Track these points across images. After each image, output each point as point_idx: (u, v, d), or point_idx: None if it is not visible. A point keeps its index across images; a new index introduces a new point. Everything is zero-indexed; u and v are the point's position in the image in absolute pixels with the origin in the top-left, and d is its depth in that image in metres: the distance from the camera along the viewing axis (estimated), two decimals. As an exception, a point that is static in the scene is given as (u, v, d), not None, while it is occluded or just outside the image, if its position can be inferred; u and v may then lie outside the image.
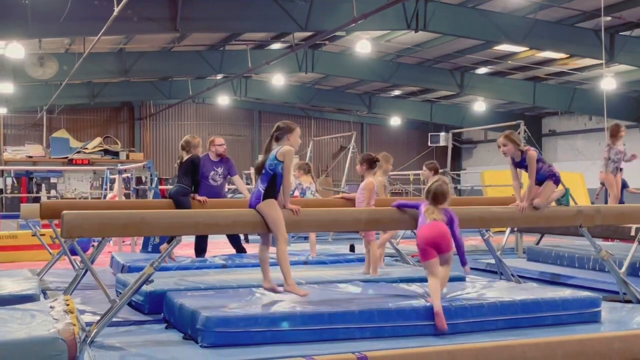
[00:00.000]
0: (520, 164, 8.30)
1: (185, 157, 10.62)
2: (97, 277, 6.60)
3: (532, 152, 8.19)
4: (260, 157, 7.13)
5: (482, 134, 40.99)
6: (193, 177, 10.44)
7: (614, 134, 12.59)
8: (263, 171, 6.96)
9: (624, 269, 8.70)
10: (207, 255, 11.79)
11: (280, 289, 7.22)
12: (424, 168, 10.95)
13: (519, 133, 17.05)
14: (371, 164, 9.27)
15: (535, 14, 21.15)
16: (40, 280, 9.48)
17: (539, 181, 8.24)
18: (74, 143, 35.70)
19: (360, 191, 9.23)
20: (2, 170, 32.32)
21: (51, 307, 6.54)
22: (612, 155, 12.50)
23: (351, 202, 9.41)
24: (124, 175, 18.36)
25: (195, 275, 8.91)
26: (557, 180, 8.23)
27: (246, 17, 20.21)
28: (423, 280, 8.77)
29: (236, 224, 7.08)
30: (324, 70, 29.04)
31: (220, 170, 11.66)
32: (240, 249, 12.16)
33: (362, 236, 9.48)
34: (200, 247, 11.76)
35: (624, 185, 20.29)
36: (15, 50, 20.24)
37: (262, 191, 6.93)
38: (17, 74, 25.01)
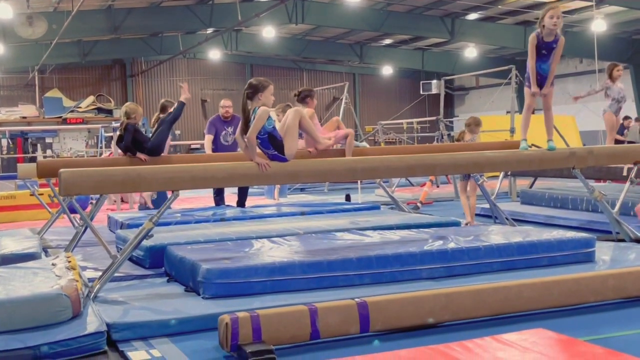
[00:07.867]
0: (549, 44, 8.14)
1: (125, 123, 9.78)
2: (98, 233, 6.66)
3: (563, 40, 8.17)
4: (241, 119, 7.02)
5: (473, 81, 40.90)
6: (135, 141, 9.51)
7: (611, 72, 12.25)
8: (259, 140, 6.91)
9: (616, 208, 8.79)
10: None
11: None
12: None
13: (510, 78, 17.04)
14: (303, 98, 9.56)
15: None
16: (41, 239, 9.53)
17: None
18: (67, 102, 35.55)
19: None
20: (-3, 132, 32.31)
21: (53, 264, 6.64)
22: (615, 95, 12.11)
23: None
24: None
25: (194, 229, 8.96)
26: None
27: (234, -31, 20.14)
28: (419, 226, 8.90)
29: (233, 177, 7.13)
30: (314, 21, 28.92)
31: (230, 130, 12.04)
32: (242, 204, 12.19)
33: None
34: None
35: None
36: (4, 10, 20.15)
37: (275, 152, 6.96)
38: (6, 34, 24.91)
